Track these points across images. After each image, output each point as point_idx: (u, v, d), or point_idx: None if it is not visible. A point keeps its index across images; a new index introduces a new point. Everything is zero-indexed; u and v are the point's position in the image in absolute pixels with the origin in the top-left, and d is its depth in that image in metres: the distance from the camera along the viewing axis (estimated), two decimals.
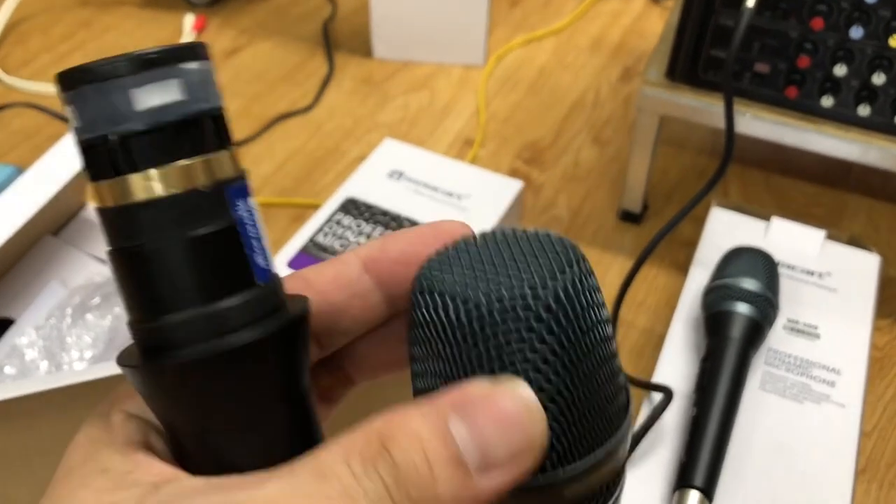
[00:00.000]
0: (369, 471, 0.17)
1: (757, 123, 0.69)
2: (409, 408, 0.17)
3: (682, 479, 0.52)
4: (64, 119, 0.80)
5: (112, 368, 0.43)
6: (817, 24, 0.63)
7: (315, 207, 0.80)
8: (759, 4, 0.63)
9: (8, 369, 0.55)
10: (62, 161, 0.60)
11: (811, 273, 0.67)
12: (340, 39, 1.04)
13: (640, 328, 0.71)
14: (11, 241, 0.57)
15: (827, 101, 0.66)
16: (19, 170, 0.77)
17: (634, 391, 0.66)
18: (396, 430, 0.17)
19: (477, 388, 0.18)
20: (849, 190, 0.85)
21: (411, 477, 0.16)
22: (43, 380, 0.43)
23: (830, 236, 0.69)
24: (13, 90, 0.93)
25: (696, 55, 0.68)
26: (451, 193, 0.72)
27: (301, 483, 0.17)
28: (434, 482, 0.16)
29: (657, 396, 0.57)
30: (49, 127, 0.87)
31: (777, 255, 0.65)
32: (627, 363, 0.68)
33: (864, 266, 0.67)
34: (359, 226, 0.69)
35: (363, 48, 1.01)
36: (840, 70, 0.64)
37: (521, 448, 0.17)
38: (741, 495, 0.53)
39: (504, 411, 0.17)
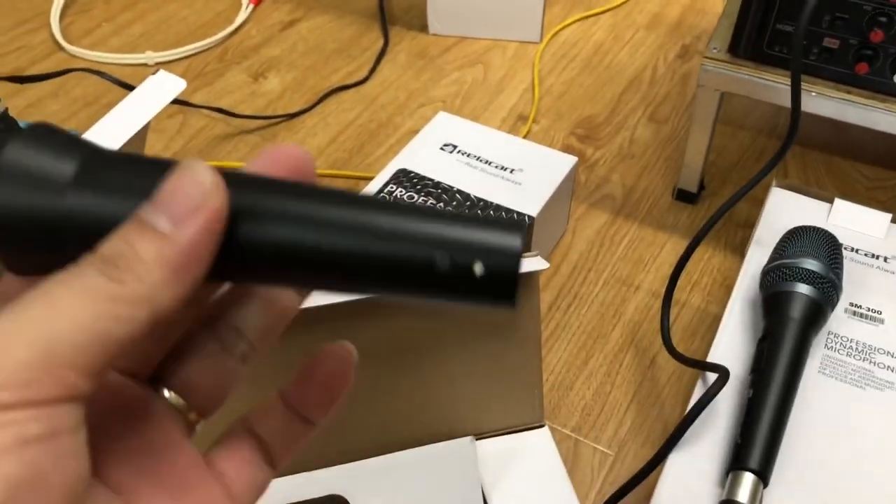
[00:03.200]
0: (79, 266, 0.19)
1: (823, 101, 0.67)
2: None
3: (737, 461, 0.51)
4: (124, 85, 0.81)
5: None
6: None
7: (367, 180, 0.80)
8: None
9: None
10: (117, 126, 0.61)
11: (875, 257, 0.64)
12: (396, 14, 1.03)
13: (693, 308, 0.70)
14: None
15: None
16: (80, 135, 0.78)
17: (690, 371, 0.65)
18: (101, 242, 0.20)
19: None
20: None
21: (115, 255, 0.19)
22: None
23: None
24: (76, 58, 0.95)
25: (762, 29, 0.66)
26: (503, 167, 0.71)
27: (25, 300, 0.19)
28: (133, 249, 0.19)
29: (712, 377, 0.56)
30: (109, 94, 0.89)
31: (840, 237, 0.63)
32: (680, 343, 0.67)
33: None
34: (411, 197, 0.68)
35: (419, 23, 1.01)
36: None
37: (197, 195, 0.20)
38: (797, 480, 0.52)
39: (174, 176, 0.20)
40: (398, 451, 0.50)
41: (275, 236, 0.21)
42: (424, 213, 0.21)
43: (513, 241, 0.21)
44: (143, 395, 0.24)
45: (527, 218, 0.66)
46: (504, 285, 0.21)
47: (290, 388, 0.26)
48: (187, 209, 0.20)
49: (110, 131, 0.61)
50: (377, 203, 0.22)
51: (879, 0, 0.61)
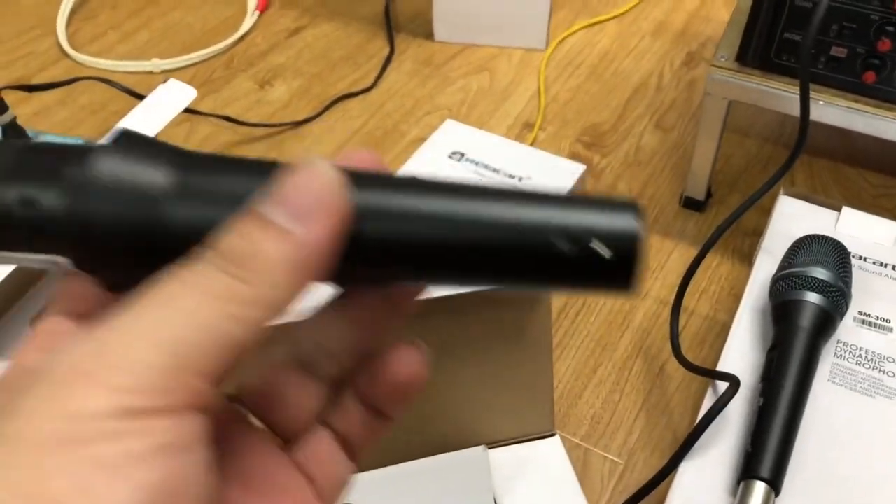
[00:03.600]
0: (198, 263, 0.18)
1: (830, 110, 0.67)
2: None
3: (748, 470, 0.51)
4: (131, 93, 0.81)
5: None
6: None
7: None
8: None
9: None
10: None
11: (884, 265, 0.65)
12: (402, 21, 1.04)
13: (702, 316, 0.70)
14: None
15: None
16: (88, 143, 0.78)
17: (699, 380, 0.65)
18: (216, 235, 0.19)
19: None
20: None
21: (236, 251, 0.18)
22: None
23: None
24: (82, 66, 0.95)
25: (770, 38, 0.66)
26: (512, 175, 0.71)
27: (144, 301, 0.18)
28: (256, 247, 0.18)
29: (722, 386, 0.56)
30: (116, 102, 0.89)
31: (848, 245, 0.63)
32: (689, 351, 0.67)
33: None
34: None
35: (424, 30, 1.01)
36: None
37: (321, 192, 0.19)
38: (808, 488, 0.52)
39: (295, 172, 0.19)
40: (411, 460, 0.50)
41: (394, 232, 0.20)
42: (538, 198, 0.21)
43: (630, 220, 0.21)
44: (227, 403, 0.23)
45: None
46: (624, 267, 0.21)
47: (362, 384, 0.24)
48: (313, 207, 0.19)
49: None
50: (487, 191, 0.21)
51: (887, 9, 0.62)
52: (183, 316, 0.18)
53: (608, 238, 0.20)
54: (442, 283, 0.22)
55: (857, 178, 0.83)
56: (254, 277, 0.18)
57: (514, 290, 0.23)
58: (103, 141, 0.21)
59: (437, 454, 0.51)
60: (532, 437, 0.54)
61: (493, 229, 0.21)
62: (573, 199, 0.21)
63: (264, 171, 0.20)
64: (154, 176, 0.20)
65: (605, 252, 0.20)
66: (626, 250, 0.20)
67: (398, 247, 0.21)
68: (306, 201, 0.19)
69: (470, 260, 0.21)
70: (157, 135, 0.64)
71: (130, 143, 0.20)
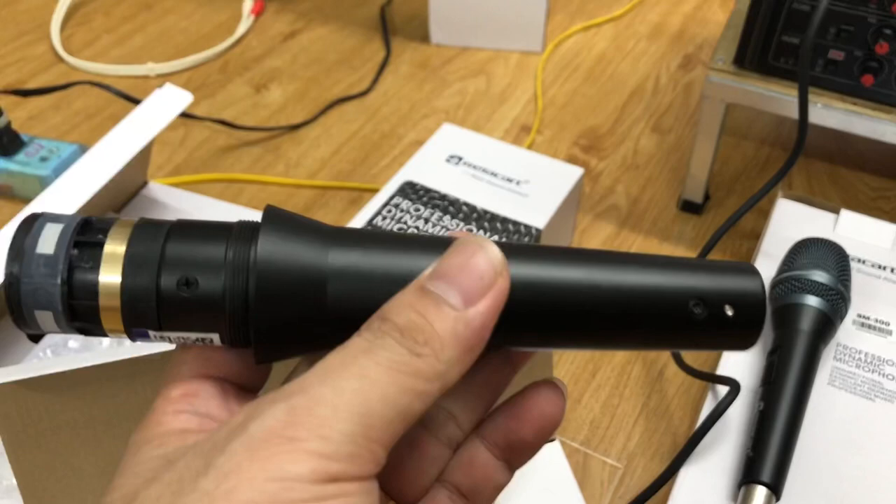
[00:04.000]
0: (378, 336, 0.20)
1: (828, 113, 0.67)
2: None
3: (749, 474, 0.50)
4: (126, 98, 0.81)
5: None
6: None
7: (371, 191, 0.80)
8: None
9: (72, 343, 0.56)
10: (125, 140, 0.60)
11: (882, 268, 0.64)
12: (398, 24, 1.03)
13: None
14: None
15: None
16: (82, 148, 0.78)
17: (698, 384, 0.64)
18: (388, 308, 0.20)
19: (439, 260, 0.21)
20: None
21: (411, 327, 0.20)
22: (106, 352, 0.44)
23: None
24: (76, 70, 0.95)
25: (768, 41, 0.66)
26: (510, 179, 0.71)
27: (333, 369, 0.19)
28: (430, 324, 0.20)
29: (722, 390, 0.55)
30: (111, 106, 0.88)
31: (847, 248, 0.63)
32: (688, 356, 0.67)
33: None
34: (417, 210, 0.68)
35: (420, 33, 1.01)
36: None
37: (489, 275, 0.20)
38: (809, 492, 0.51)
39: (465, 252, 0.21)
40: None
41: (541, 301, 0.22)
42: (668, 264, 0.23)
43: (756, 285, 0.22)
44: None
45: (534, 230, 0.66)
46: (749, 328, 0.22)
47: (493, 433, 0.25)
48: (481, 288, 0.20)
49: (118, 145, 0.61)
50: (621, 258, 0.23)
51: (884, 12, 0.62)
52: (372, 389, 0.19)
53: (738, 303, 0.22)
54: (577, 346, 0.23)
55: (855, 180, 0.83)
56: (430, 353, 0.20)
57: (635, 350, 0.25)
58: (251, 218, 0.22)
59: None
60: None
61: (633, 297, 0.22)
62: (700, 265, 0.23)
63: (417, 246, 0.22)
64: (314, 255, 0.21)
65: (734, 315, 0.22)
66: (754, 313, 0.22)
67: (545, 315, 0.22)
68: (477, 284, 0.20)
69: (609, 325, 0.22)
70: (154, 138, 0.63)
71: (280, 222, 0.21)
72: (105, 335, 0.21)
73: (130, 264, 0.20)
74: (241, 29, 1.01)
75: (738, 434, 0.55)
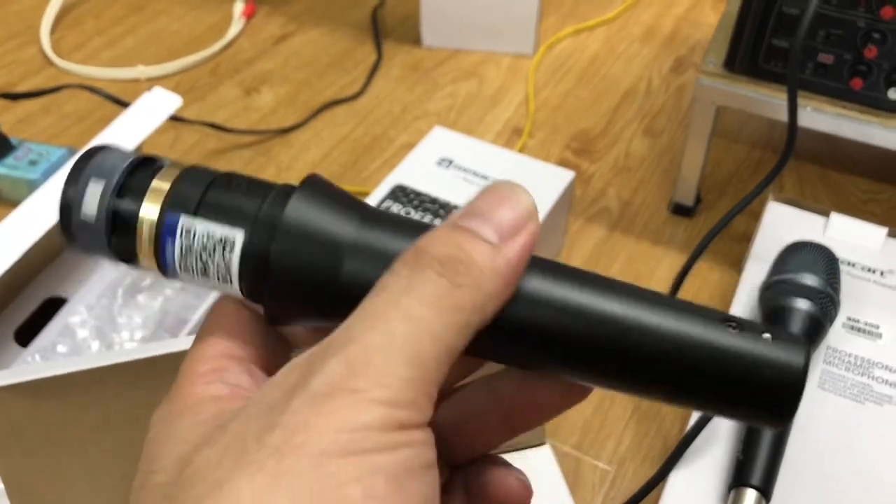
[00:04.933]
0: (416, 270, 0.20)
1: (818, 116, 0.67)
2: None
3: (739, 478, 0.50)
4: (116, 101, 0.80)
5: (162, 348, 0.43)
6: (887, 12, 0.61)
7: (362, 194, 0.80)
8: None
9: (60, 348, 0.56)
10: (118, 140, 0.60)
11: (872, 271, 0.65)
12: (389, 27, 1.03)
13: None
14: None
15: (894, 94, 0.64)
16: (72, 151, 0.77)
17: None
18: (424, 242, 0.20)
19: (470, 201, 0.22)
20: None
21: (451, 258, 0.20)
22: (95, 357, 0.43)
23: (892, 234, 0.67)
24: (66, 73, 0.94)
25: (758, 44, 0.66)
26: None
27: (378, 314, 0.19)
28: (469, 254, 0.20)
29: None
30: (100, 110, 0.88)
31: (837, 251, 0.63)
32: None
33: None
34: (407, 213, 0.68)
35: (412, 36, 1.01)
36: None
37: (522, 215, 0.21)
38: (799, 495, 0.51)
39: (497, 193, 0.21)
40: None
41: (575, 327, 0.21)
42: (705, 316, 0.21)
43: (798, 358, 0.20)
44: None
45: None
46: (786, 402, 0.21)
47: (473, 480, 0.25)
48: (514, 226, 0.20)
49: None
50: (654, 298, 0.21)
51: (873, 16, 0.62)
52: (420, 329, 0.19)
53: (775, 372, 0.20)
54: (592, 379, 0.22)
55: (846, 183, 0.83)
56: (471, 283, 0.20)
57: (670, 404, 0.23)
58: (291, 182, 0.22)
59: None
60: (522, 446, 0.54)
61: (664, 346, 0.21)
62: (743, 326, 0.21)
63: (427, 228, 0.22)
64: (340, 227, 0.21)
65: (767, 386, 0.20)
66: (792, 388, 0.20)
67: (575, 339, 0.21)
68: (510, 222, 0.21)
69: (631, 368, 0.21)
70: (142, 142, 0.63)
71: (317, 189, 0.22)
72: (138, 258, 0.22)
73: (171, 199, 0.22)
74: (233, 31, 1.01)
75: (729, 437, 0.55)
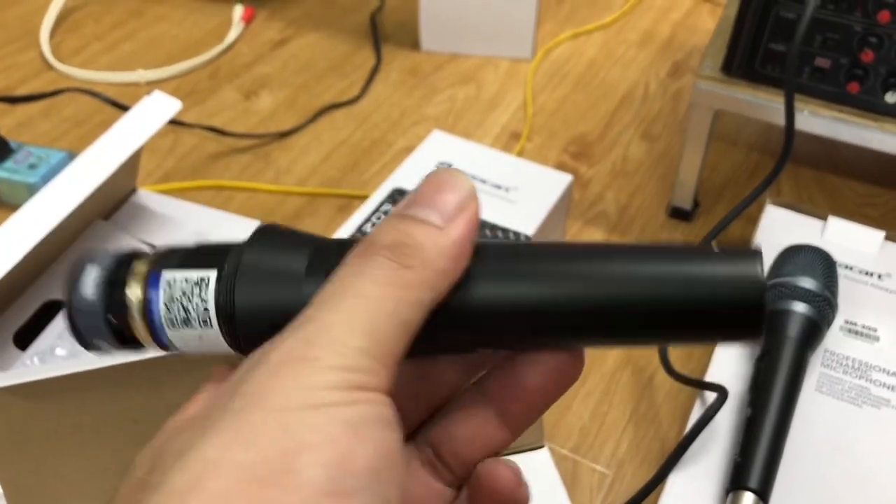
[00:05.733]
0: (367, 258, 0.21)
1: (815, 120, 0.67)
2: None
3: (737, 481, 0.50)
4: (116, 104, 0.81)
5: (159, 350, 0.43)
6: (884, 17, 0.61)
7: (361, 198, 0.80)
8: None
9: (59, 351, 0.56)
10: (113, 147, 0.60)
11: (870, 274, 0.65)
12: (388, 31, 1.04)
13: None
14: (63, 226, 0.58)
15: (891, 98, 0.64)
16: (71, 155, 0.78)
17: (687, 390, 0.64)
18: (373, 234, 0.22)
19: (413, 191, 0.23)
20: None
21: (398, 244, 0.21)
22: (92, 359, 0.43)
23: (889, 237, 0.67)
24: (66, 77, 0.94)
25: (755, 49, 0.67)
26: (499, 186, 0.71)
27: (334, 296, 0.21)
28: (415, 238, 0.21)
29: (710, 396, 0.56)
30: (99, 114, 0.88)
31: (834, 254, 0.63)
32: (677, 361, 0.67)
33: None
34: None
35: (411, 40, 1.01)
36: None
37: (463, 198, 0.22)
38: (796, 498, 0.52)
39: (438, 180, 0.23)
40: None
41: (526, 295, 0.22)
42: (660, 253, 0.22)
43: (754, 269, 0.21)
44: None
45: (522, 237, 0.66)
46: (751, 316, 0.21)
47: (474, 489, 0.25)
48: (455, 207, 0.22)
49: (105, 152, 0.61)
50: (621, 250, 0.23)
51: (869, 21, 0.62)
52: (373, 305, 0.20)
53: (735, 289, 0.21)
54: (562, 339, 0.23)
55: (842, 187, 0.83)
56: (419, 264, 0.21)
57: (642, 346, 0.25)
58: (238, 225, 0.25)
59: None
60: (521, 449, 0.54)
61: (634, 288, 0.22)
62: (695, 252, 0.22)
63: None
64: (293, 262, 0.23)
65: (729, 303, 0.21)
66: (753, 300, 0.21)
67: (528, 310, 0.22)
68: (452, 204, 0.22)
69: (602, 319, 0.22)
70: (142, 145, 0.63)
71: (271, 236, 0.24)
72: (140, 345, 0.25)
73: (154, 262, 0.24)
74: (232, 36, 1.01)
75: (727, 440, 0.55)
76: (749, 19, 0.65)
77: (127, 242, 0.65)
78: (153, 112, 0.62)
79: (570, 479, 0.60)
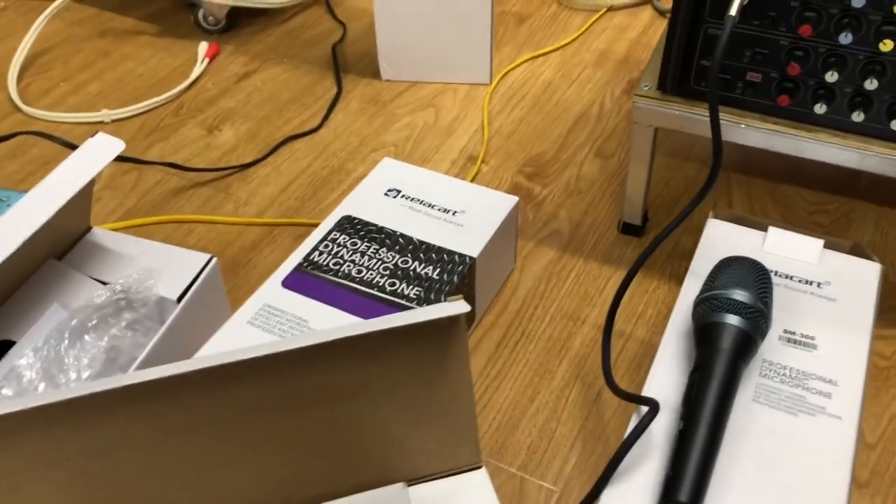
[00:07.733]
0: None
1: (752, 133, 0.68)
2: None
3: (668, 495, 0.51)
4: (72, 147, 0.82)
5: (106, 384, 0.44)
6: (806, 31, 0.62)
7: (316, 226, 0.81)
8: (745, 13, 0.63)
9: (5, 391, 0.57)
10: (56, 187, 0.62)
11: (809, 283, 0.65)
12: (350, 62, 1.05)
13: (638, 340, 0.71)
14: (12, 263, 0.59)
15: (820, 109, 0.65)
16: None
17: (625, 405, 0.65)
18: None
19: None
20: (857, 198, 0.84)
21: None
22: (40, 396, 0.44)
23: (829, 245, 0.68)
24: (32, 119, 0.96)
25: (687, 66, 0.68)
26: (447, 210, 0.72)
27: None
28: None
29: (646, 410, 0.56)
30: (65, 154, 0.90)
31: (774, 264, 0.64)
32: (626, 375, 0.68)
33: (863, 275, 0.66)
34: (354, 244, 0.69)
35: (372, 70, 1.03)
36: (831, 77, 0.63)
37: None
38: None
39: None
40: (328, 501, 0.51)
41: None
42: None
43: None
44: None
45: (468, 259, 0.67)
46: None
47: None
48: None
49: (52, 191, 0.63)
50: None
51: (794, 35, 0.63)
52: None
53: None
54: None
55: (794, 195, 0.84)
56: None
57: None
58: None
59: (354, 493, 0.51)
60: (457, 470, 0.55)
61: None
62: None
63: None
64: None
65: None
66: None
67: None
68: None
69: None
70: (92, 183, 0.65)
71: None
72: None
73: None
74: (196, 72, 1.03)
75: (662, 454, 0.55)
76: (678, 37, 0.66)
77: (78, 280, 0.66)
78: (97, 152, 0.63)
79: (518, 496, 0.61)
